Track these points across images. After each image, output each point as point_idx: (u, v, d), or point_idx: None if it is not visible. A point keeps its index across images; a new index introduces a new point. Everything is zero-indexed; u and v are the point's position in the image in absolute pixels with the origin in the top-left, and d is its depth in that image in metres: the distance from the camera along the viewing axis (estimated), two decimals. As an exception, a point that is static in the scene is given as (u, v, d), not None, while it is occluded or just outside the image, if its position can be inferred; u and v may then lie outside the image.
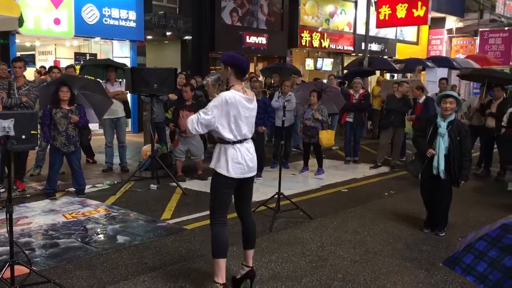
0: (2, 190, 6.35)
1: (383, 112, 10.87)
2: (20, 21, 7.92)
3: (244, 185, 3.83)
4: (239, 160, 3.67)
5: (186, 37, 14.98)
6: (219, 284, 3.66)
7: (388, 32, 22.43)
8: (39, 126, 6.15)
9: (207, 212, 3.87)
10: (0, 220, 5.63)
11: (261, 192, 7.19)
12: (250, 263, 3.97)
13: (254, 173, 3.84)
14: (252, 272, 3.96)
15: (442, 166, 5.29)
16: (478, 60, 19.06)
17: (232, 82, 3.73)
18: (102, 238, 5.22)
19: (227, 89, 3.73)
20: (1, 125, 3.56)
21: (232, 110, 3.60)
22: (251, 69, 18.44)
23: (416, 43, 25.59)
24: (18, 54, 12.17)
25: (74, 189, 6.98)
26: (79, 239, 5.13)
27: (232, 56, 3.72)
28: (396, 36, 23.46)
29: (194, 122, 3.62)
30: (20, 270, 3.93)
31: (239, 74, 3.72)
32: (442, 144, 5.28)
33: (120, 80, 8.67)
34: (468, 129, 5.57)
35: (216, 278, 3.69)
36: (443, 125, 5.29)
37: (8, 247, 3.79)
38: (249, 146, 3.78)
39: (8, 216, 3.67)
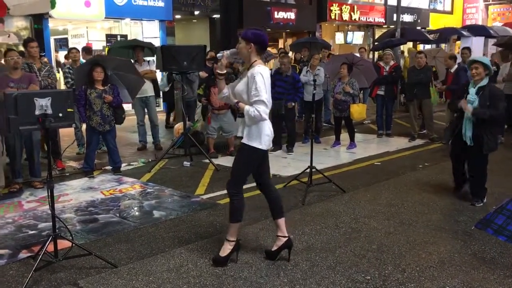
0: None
1: (404, 85, 10.62)
2: (52, 3, 8.06)
3: (265, 157, 3.96)
4: (268, 133, 3.80)
5: (214, 16, 14.92)
6: (233, 241, 3.95)
7: (421, 2, 21.72)
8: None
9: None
10: (42, 198, 5.88)
11: (293, 166, 7.22)
12: (285, 232, 4.03)
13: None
14: (289, 241, 4.03)
15: (469, 133, 5.27)
16: (516, 27, 18.28)
17: (254, 58, 3.79)
18: (139, 213, 5.36)
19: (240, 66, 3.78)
20: (39, 104, 3.67)
21: (267, 84, 3.73)
22: (280, 45, 18.28)
23: (451, 12, 24.74)
24: (52, 38, 12.48)
25: (111, 167, 7.17)
26: (117, 215, 5.30)
27: (256, 33, 3.77)
28: (429, 5, 22.68)
29: (262, 114, 3.63)
30: (63, 244, 4.11)
31: (260, 51, 3.81)
32: (471, 110, 5.24)
33: (149, 59, 8.76)
34: (502, 93, 5.48)
35: (231, 237, 3.95)
36: (471, 92, 5.29)
37: (51, 223, 3.93)
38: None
39: (49, 191, 3.81)
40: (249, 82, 3.69)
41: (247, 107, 3.70)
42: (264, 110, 3.65)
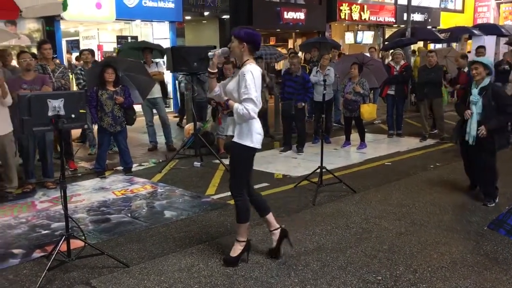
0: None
1: (414, 84, 10.57)
2: (64, 5, 8.14)
3: (253, 158, 3.96)
4: (259, 131, 3.82)
5: (224, 16, 14.96)
6: (244, 241, 3.97)
7: (432, 1, 21.57)
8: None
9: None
10: (55, 198, 5.94)
11: (303, 167, 7.22)
12: (276, 224, 4.07)
13: None
14: (284, 230, 4.07)
15: (473, 132, 5.28)
16: (529, 26, 18.08)
17: (246, 57, 3.80)
18: (150, 213, 5.39)
19: (236, 64, 3.78)
20: (52, 105, 3.72)
21: (257, 83, 3.74)
22: (290, 45, 18.27)
23: (462, 11, 24.53)
24: (64, 40, 12.60)
25: (122, 168, 7.23)
26: (129, 215, 5.34)
27: (249, 32, 3.77)
28: (440, 4, 22.52)
29: (251, 113, 3.65)
30: (76, 243, 4.15)
31: (253, 50, 3.81)
32: (475, 110, 5.27)
33: (157, 61, 8.81)
34: (505, 92, 5.52)
35: (241, 237, 3.97)
36: (474, 92, 5.31)
37: (64, 223, 3.98)
38: None
39: (62, 192, 3.85)
40: (240, 81, 3.71)
41: (236, 105, 3.72)
42: (252, 109, 3.66)
